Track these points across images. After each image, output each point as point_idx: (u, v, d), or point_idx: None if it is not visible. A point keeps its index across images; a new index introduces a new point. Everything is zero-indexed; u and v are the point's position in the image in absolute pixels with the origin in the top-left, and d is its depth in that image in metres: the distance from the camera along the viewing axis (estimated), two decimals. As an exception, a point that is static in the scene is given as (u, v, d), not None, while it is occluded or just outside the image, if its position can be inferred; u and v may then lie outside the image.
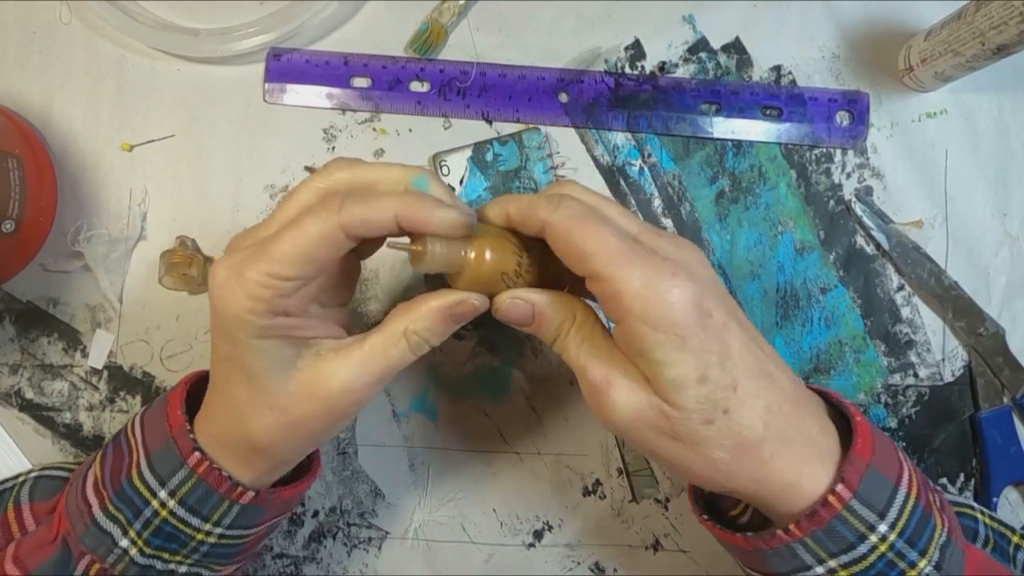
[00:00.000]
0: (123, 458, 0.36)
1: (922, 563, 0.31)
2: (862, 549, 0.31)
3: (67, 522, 0.36)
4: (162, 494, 0.34)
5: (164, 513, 0.34)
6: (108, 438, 0.39)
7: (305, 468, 0.40)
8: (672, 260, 0.31)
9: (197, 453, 0.34)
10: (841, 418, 0.34)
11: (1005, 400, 0.48)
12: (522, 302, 0.33)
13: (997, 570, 0.36)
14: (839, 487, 0.31)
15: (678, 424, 0.31)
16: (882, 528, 0.31)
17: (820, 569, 0.31)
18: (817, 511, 0.31)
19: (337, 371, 0.33)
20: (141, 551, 0.35)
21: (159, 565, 0.35)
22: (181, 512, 0.34)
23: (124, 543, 0.35)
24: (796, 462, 0.32)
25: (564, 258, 0.32)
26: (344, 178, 0.33)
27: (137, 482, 0.34)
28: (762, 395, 0.31)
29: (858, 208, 0.48)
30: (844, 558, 0.31)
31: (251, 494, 0.35)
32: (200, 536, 0.35)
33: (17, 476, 0.42)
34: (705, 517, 0.36)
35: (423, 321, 0.33)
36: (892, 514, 0.31)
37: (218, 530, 0.35)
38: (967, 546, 0.34)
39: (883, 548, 0.31)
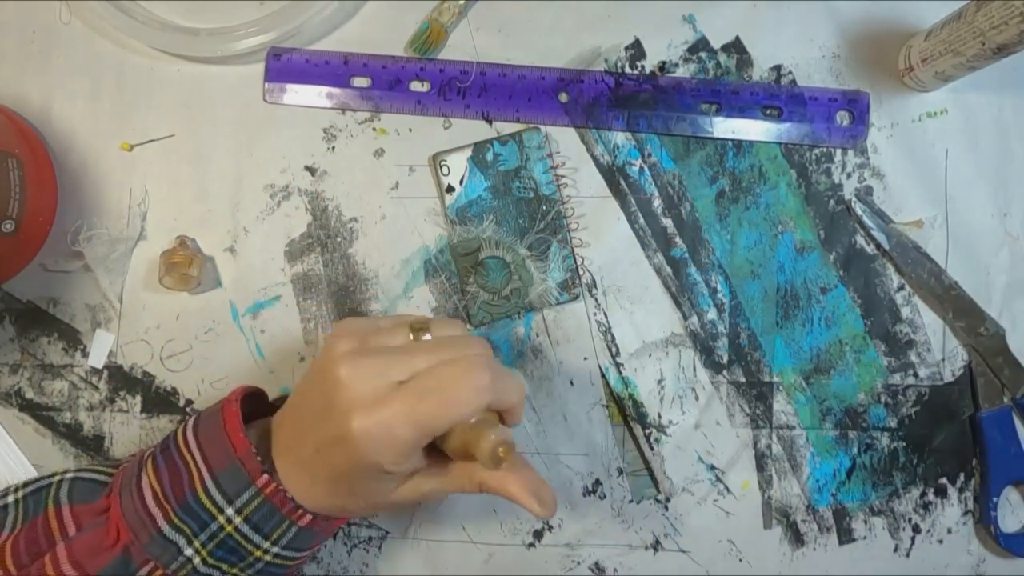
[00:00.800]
0: (181, 473, 0.37)
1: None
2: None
3: (128, 532, 0.37)
4: (229, 511, 0.36)
5: (229, 528, 0.36)
6: (152, 447, 0.40)
7: None
8: None
9: (266, 475, 0.36)
10: None
11: (1005, 400, 0.48)
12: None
13: None
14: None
15: None
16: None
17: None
18: None
19: (424, 486, 0.38)
20: (204, 560, 0.36)
21: (217, 575, 0.37)
22: (245, 528, 0.36)
23: (189, 552, 0.36)
24: None
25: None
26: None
27: (204, 498, 0.36)
28: None
29: (858, 208, 0.48)
30: None
31: (309, 517, 0.37)
32: (258, 553, 0.37)
33: (53, 475, 0.42)
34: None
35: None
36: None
37: (275, 549, 0.37)
38: None
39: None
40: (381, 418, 0.33)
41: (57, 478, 0.42)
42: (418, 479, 0.38)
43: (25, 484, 0.42)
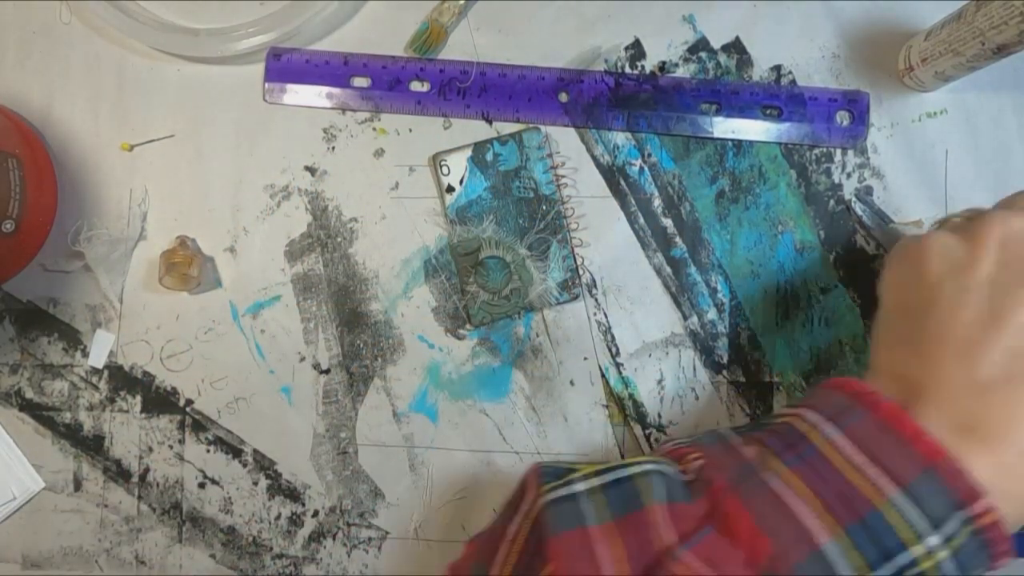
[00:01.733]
0: (820, 469, 0.30)
1: None
2: None
3: (767, 540, 0.29)
4: (932, 540, 0.28)
5: (927, 565, 0.28)
6: (732, 452, 0.34)
7: None
8: None
9: (985, 501, 0.28)
10: None
11: (1005, 400, 0.47)
12: None
13: None
14: None
15: None
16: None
17: None
18: None
19: None
20: None
21: None
22: (950, 569, 0.28)
23: None
24: None
25: None
26: None
27: (892, 517, 0.28)
28: None
29: (858, 208, 0.48)
30: None
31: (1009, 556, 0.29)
32: None
33: (618, 464, 0.34)
34: None
35: None
36: None
37: None
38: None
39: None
40: None
41: (630, 471, 0.34)
42: None
43: (597, 471, 0.34)
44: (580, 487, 0.33)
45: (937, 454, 0.28)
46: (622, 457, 0.47)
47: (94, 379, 0.48)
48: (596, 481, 0.33)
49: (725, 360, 0.48)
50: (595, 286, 0.48)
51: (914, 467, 0.28)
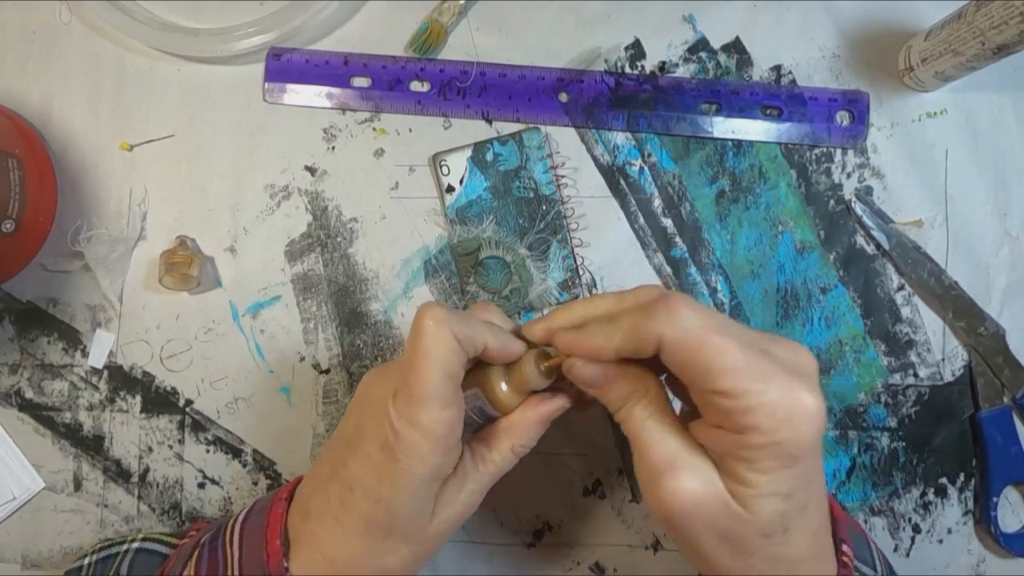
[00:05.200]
0: (217, 570, 0.36)
1: None
2: None
3: None
4: None
5: None
6: (212, 527, 0.39)
7: None
8: (801, 373, 0.29)
9: None
10: None
11: (1005, 400, 0.48)
12: (594, 367, 0.33)
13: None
14: (844, 547, 0.33)
15: (739, 528, 0.29)
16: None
17: None
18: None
19: (460, 498, 0.36)
20: None
21: None
22: None
23: None
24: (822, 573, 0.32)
25: (684, 374, 0.30)
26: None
27: None
28: (816, 516, 0.31)
29: (858, 208, 0.48)
30: None
31: None
32: None
33: (124, 539, 0.44)
34: None
35: (527, 436, 0.37)
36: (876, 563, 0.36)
37: None
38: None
39: None
40: (388, 409, 0.32)
41: (126, 546, 0.43)
42: (452, 488, 0.36)
43: (102, 546, 0.44)
44: (88, 559, 0.43)
45: (273, 558, 0.35)
46: (620, 457, 0.47)
47: (94, 379, 0.48)
48: (96, 556, 0.43)
49: (725, 360, 0.48)
50: (595, 286, 0.48)
51: (259, 567, 0.35)
